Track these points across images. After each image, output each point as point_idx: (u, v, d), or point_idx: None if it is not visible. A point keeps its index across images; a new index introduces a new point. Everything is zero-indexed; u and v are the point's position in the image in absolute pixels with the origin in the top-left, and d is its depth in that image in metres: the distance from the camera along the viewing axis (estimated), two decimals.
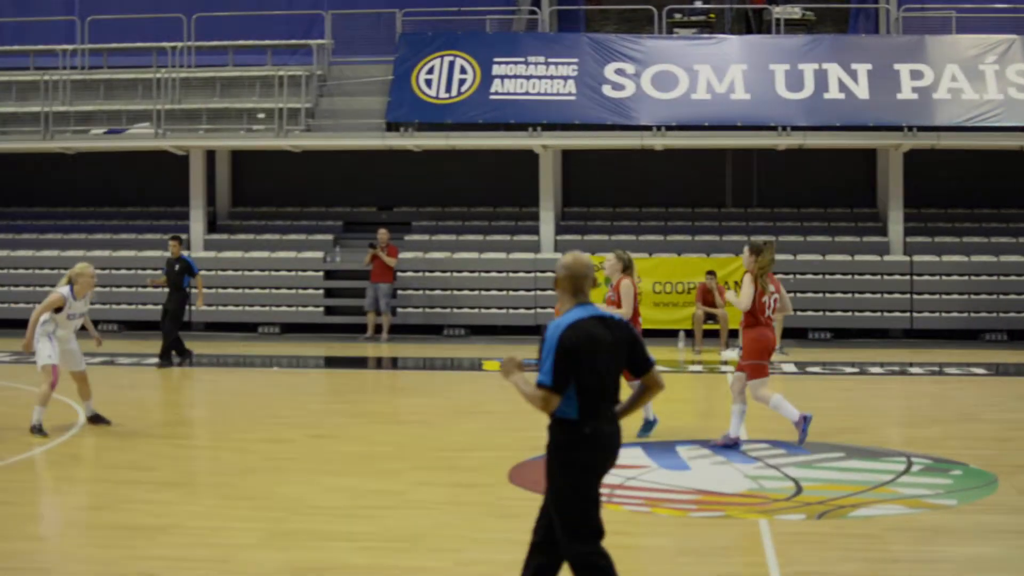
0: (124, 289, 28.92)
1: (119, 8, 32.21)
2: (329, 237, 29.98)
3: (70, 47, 31.65)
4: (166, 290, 23.39)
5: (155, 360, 23.00)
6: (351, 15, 30.94)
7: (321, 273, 29.00)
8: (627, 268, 15.33)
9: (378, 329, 27.82)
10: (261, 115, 29.38)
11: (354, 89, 30.02)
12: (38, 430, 15.23)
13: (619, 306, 15.17)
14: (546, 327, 7.78)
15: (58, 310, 15.65)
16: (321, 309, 28.94)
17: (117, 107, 30.15)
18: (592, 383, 7.67)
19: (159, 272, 25.21)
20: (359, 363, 24.88)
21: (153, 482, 12.92)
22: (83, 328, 16.41)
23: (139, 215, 31.55)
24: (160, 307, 23.72)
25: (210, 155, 30.52)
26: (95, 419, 16.16)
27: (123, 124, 29.77)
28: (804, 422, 14.69)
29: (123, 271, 29.09)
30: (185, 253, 23.98)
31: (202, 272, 23.94)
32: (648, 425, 15.33)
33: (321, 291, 28.96)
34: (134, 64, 31.77)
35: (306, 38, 31.19)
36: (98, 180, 32.06)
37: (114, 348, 25.38)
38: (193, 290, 23.48)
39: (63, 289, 15.71)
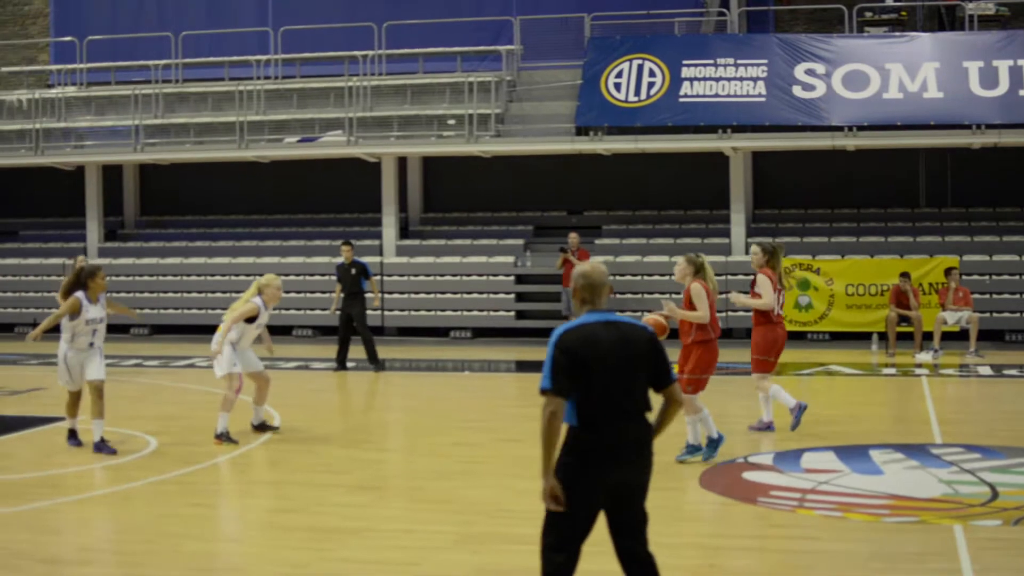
0: (318, 295, 29.34)
1: (311, 18, 32.75)
2: (520, 242, 30.07)
3: (264, 57, 32.28)
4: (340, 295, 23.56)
5: (367, 366, 23.26)
6: (540, 20, 31.02)
7: (512, 278, 29.10)
8: (699, 271, 14.44)
9: None
10: (451, 121, 29.60)
11: (543, 94, 30.09)
12: (225, 437, 15.49)
13: (692, 310, 14.45)
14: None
15: (249, 320, 15.80)
16: (512, 313, 29.04)
17: (310, 115, 30.64)
18: (591, 387, 7.39)
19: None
20: None
21: (346, 485, 13.08)
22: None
23: (332, 222, 32.01)
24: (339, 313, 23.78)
25: (401, 161, 30.83)
26: (263, 427, 16.41)
27: (316, 132, 30.22)
28: (799, 410, 15.45)
29: (316, 277, 29.51)
30: (357, 257, 24.18)
31: (395, 277, 24.13)
32: (713, 444, 14.23)
33: (512, 295, 29.05)
34: (326, 73, 32.26)
35: (495, 44, 31.36)
36: (292, 188, 32.59)
37: (308, 353, 25.78)
38: (369, 294, 23.61)
39: (257, 299, 15.83)
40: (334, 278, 24.10)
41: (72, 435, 15.37)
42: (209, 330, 28.57)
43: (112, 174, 32.96)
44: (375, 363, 23.14)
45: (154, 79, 32.51)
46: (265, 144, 30.21)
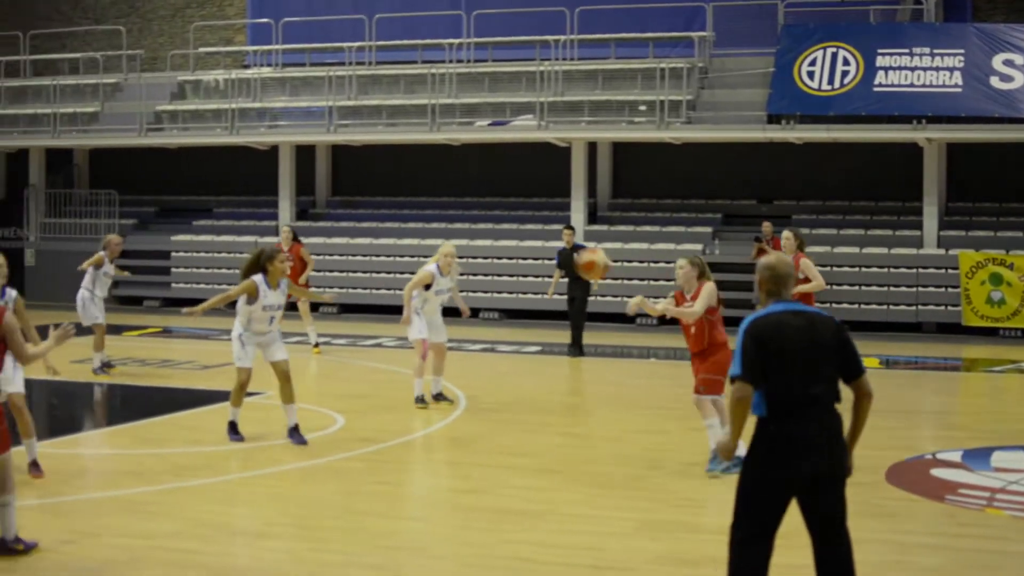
0: (505, 278, 29.47)
1: (504, 2, 32.89)
2: (708, 229, 29.87)
3: (456, 41, 32.49)
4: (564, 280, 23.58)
5: (566, 349, 23.33)
6: (732, 6, 30.76)
7: None
8: (703, 274, 13.52)
9: None
10: (642, 107, 29.50)
11: (735, 81, 29.82)
12: (419, 401, 16.70)
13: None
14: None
15: (427, 287, 16.75)
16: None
17: (501, 99, 30.77)
18: (781, 376, 7.34)
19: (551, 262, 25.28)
20: None
21: (530, 468, 13.12)
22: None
23: (521, 205, 32.12)
24: (565, 297, 23.78)
25: (591, 147, 30.78)
26: (439, 396, 17.19)
27: (507, 116, 30.35)
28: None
29: (504, 260, 29.63)
30: (579, 241, 24.16)
31: None
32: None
33: None
34: (518, 57, 32.37)
35: (687, 30, 31.17)
36: (482, 171, 32.77)
37: (495, 336, 25.91)
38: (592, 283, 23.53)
39: (431, 267, 16.88)
40: (523, 262, 24.16)
41: (233, 428, 14.67)
42: (397, 310, 29.01)
43: (305, 154, 33.47)
44: (577, 349, 23.12)
45: (348, 61, 32.93)
46: (456, 127, 30.40)
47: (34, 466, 12.20)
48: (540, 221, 30.97)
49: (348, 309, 30.79)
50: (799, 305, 7.61)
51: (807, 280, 16.32)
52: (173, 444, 14.41)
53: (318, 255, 30.97)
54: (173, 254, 32.51)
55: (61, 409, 17.86)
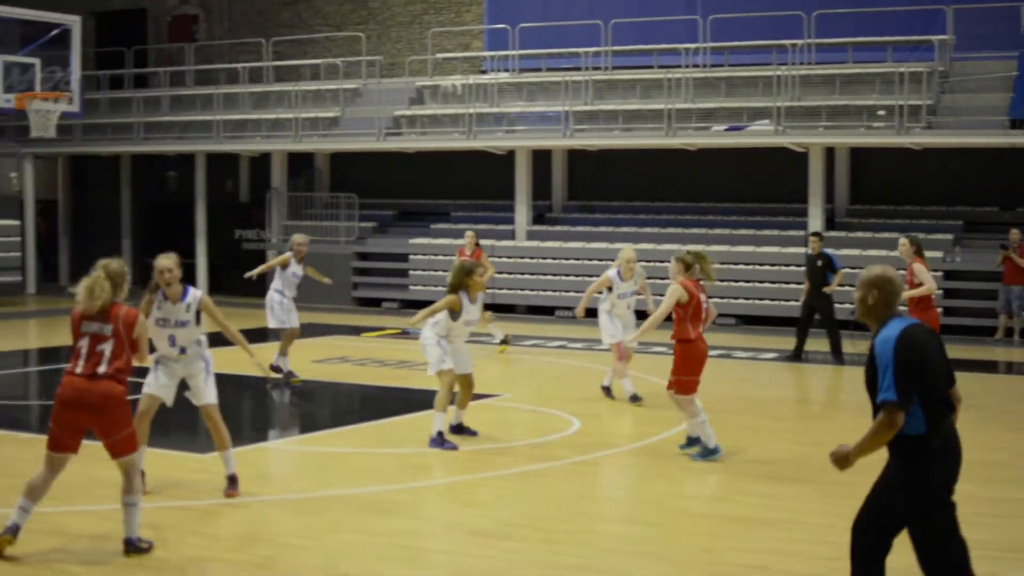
0: (742, 284, 29.21)
1: (740, 6, 32.63)
2: (949, 237, 29.18)
3: (692, 46, 32.36)
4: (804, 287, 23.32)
5: (830, 357, 23.06)
6: (973, 9, 30.04)
7: (940, 274, 28.25)
8: (689, 269, 14.08)
9: (1009, 332, 26.78)
10: (881, 112, 29.00)
11: (976, 85, 29.13)
12: (634, 399, 17.50)
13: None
14: (873, 343, 7.37)
15: (610, 290, 17.89)
16: (940, 310, 28.13)
17: (737, 104, 30.55)
18: (935, 391, 7.27)
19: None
20: (987, 367, 23.85)
21: (769, 475, 13.00)
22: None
23: (757, 211, 31.82)
24: (799, 304, 23.54)
25: (829, 152, 30.36)
26: (635, 398, 17.61)
27: (743, 121, 30.12)
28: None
29: (741, 266, 29.38)
30: (827, 249, 23.85)
31: (843, 269, 23.66)
32: (707, 452, 13.91)
33: (941, 292, 28.17)
34: (754, 62, 32.11)
35: (926, 34, 30.51)
36: (718, 176, 32.55)
37: (731, 342, 25.71)
38: (833, 287, 23.16)
39: (611, 272, 17.94)
40: (759, 268, 23.92)
41: (460, 428, 14.97)
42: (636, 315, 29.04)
43: (541, 159, 33.67)
44: (837, 356, 22.82)
45: (584, 66, 33.04)
46: (692, 132, 30.26)
47: (231, 482, 11.84)
48: (777, 227, 30.62)
49: (589, 313, 30.78)
50: (912, 320, 7.52)
51: (919, 284, 17.28)
52: (410, 444, 14.62)
53: (554, 259, 31.18)
54: (411, 257, 33.00)
55: (302, 407, 18.28)
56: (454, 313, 14.45)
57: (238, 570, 9.60)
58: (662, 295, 14.65)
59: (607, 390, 18.10)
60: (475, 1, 37.52)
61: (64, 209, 41.91)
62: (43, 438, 9.84)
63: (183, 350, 11.50)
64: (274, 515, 11.29)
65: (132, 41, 41.04)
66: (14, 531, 9.68)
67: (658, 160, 32.69)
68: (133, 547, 9.80)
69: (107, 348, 9.71)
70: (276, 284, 20.07)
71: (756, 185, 32.05)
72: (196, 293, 11.52)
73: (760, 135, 29.34)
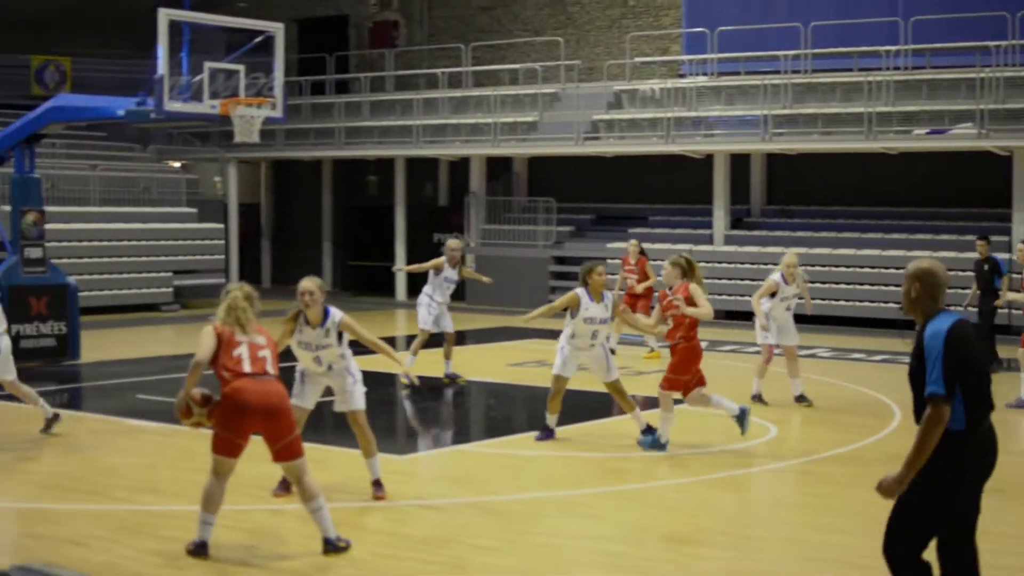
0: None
1: (943, 7, 32.03)
2: None
3: (893, 48, 31.87)
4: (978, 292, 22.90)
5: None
6: None
7: None
8: (686, 273, 14.52)
9: None
10: None
11: None
12: (756, 398, 18.01)
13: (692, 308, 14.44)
14: (921, 336, 7.27)
15: (773, 295, 18.23)
16: None
17: (940, 107, 30.00)
18: (978, 388, 7.20)
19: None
20: None
21: None
22: None
23: (960, 216, 31.21)
24: (976, 311, 23.13)
25: None
26: (801, 399, 17.99)
27: (945, 124, 29.58)
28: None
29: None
30: (995, 254, 23.35)
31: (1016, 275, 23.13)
32: (659, 445, 14.48)
33: None
34: (957, 64, 31.51)
35: None
36: (919, 180, 32.01)
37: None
38: (1012, 294, 22.67)
39: (776, 276, 18.25)
40: (961, 274, 23.48)
41: (547, 432, 15.06)
42: (831, 321, 28.82)
43: (740, 163, 33.47)
44: (994, 362, 22.37)
45: (783, 69, 32.76)
46: (893, 136, 29.81)
47: (377, 485, 11.90)
48: (972, 233, 29.96)
49: (744, 316, 30.48)
50: (958, 315, 7.45)
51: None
52: (604, 449, 14.67)
53: (752, 264, 30.95)
54: (609, 261, 33.01)
55: (498, 410, 18.45)
56: (573, 311, 14.62)
57: (431, 570, 9.74)
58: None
59: (801, 398, 18.00)
60: (674, 5, 37.42)
61: (266, 212, 42.85)
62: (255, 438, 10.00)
63: (329, 367, 11.67)
64: (467, 517, 11.43)
65: (334, 47, 41.79)
66: (204, 547, 9.84)
67: (858, 164, 32.29)
68: (332, 546, 9.97)
69: (267, 354, 9.94)
70: (427, 288, 20.15)
71: (958, 189, 31.44)
72: (336, 316, 11.42)
73: (963, 138, 28.78)
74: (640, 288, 23.93)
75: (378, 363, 14.26)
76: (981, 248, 22.75)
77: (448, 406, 18.70)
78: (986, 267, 22.53)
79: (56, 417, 15.02)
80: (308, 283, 11.48)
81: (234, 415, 9.74)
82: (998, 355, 22.37)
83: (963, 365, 7.16)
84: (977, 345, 7.36)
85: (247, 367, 9.79)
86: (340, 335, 11.52)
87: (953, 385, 7.11)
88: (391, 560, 9.96)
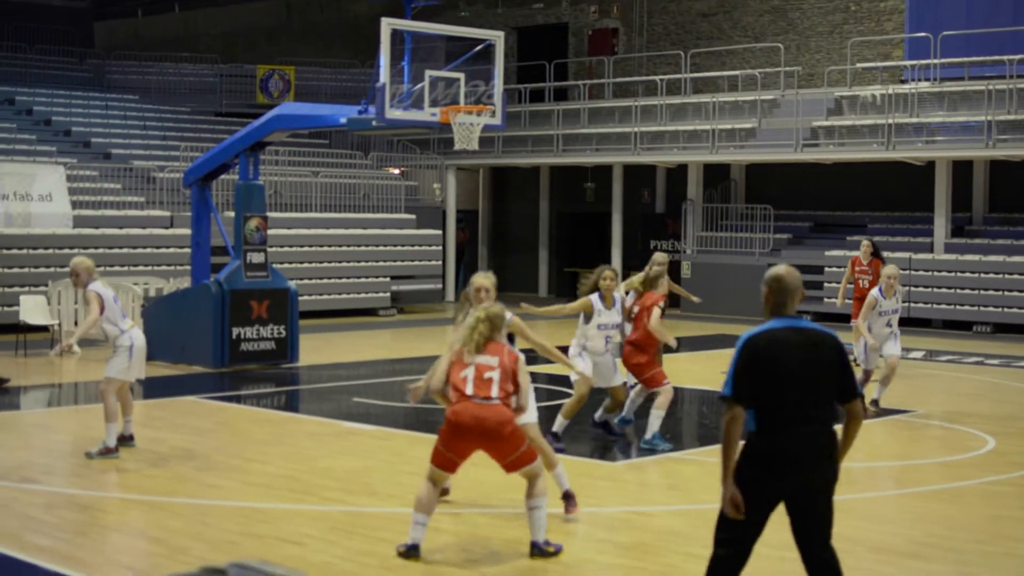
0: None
1: None
2: None
3: None
4: None
5: None
6: None
7: None
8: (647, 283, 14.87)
9: None
10: None
11: None
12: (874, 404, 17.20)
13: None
14: None
15: (872, 308, 17.21)
16: None
17: None
18: (776, 393, 7.16)
19: None
20: None
21: None
22: None
23: None
24: None
25: None
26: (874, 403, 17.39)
27: None
28: None
29: None
30: None
31: None
32: (624, 422, 15.26)
33: None
34: None
35: None
36: None
37: (984, 349, 24.56)
38: None
39: (874, 291, 17.39)
40: None
41: (606, 427, 15.49)
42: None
43: (962, 170, 32.82)
44: None
45: (1008, 74, 32.01)
46: None
47: (567, 499, 11.38)
48: None
49: (1003, 328, 29.92)
50: (802, 321, 7.42)
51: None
52: None
53: (973, 273, 30.32)
54: (826, 269, 32.67)
55: (710, 418, 18.38)
56: (587, 316, 14.61)
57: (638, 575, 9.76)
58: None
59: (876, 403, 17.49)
60: (896, 10, 36.83)
61: (484, 219, 43.28)
62: None
63: None
64: (679, 525, 11.41)
65: (553, 55, 42.02)
66: (416, 549, 9.93)
67: None
68: (539, 550, 10.01)
69: (495, 375, 9.93)
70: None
71: None
72: (507, 315, 10.90)
73: None
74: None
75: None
76: None
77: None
78: None
79: (113, 451, 13.93)
80: (484, 280, 11.42)
81: (453, 437, 9.89)
82: None
83: (753, 372, 7.32)
84: (778, 357, 7.30)
85: (470, 389, 9.89)
86: (512, 338, 11.35)
87: (741, 388, 7.32)
88: (598, 566, 10.00)
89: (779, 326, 7.48)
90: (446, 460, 9.97)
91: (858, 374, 15.96)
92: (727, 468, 7.40)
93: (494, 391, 9.88)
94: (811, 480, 7.40)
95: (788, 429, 7.34)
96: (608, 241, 37.73)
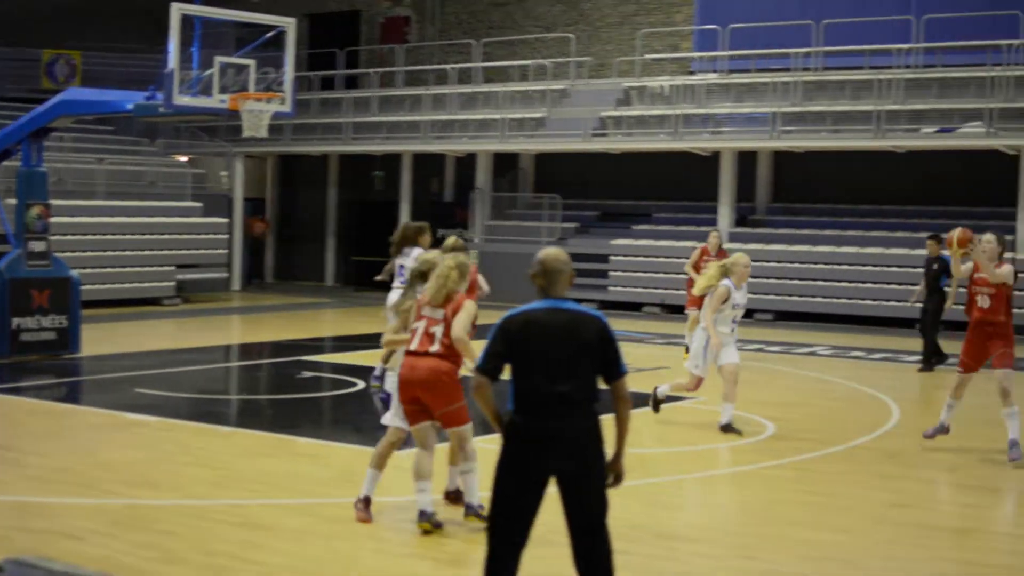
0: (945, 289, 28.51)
1: (954, 6, 31.98)
2: None
3: (905, 46, 31.82)
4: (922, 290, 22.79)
5: (916, 362, 22.46)
6: None
7: None
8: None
9: None
10: None
11: None
12: (728, 428, 15.19)
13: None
14: None
15: (724, 302, 15.58)
16: None
17: (949, 105, 29.93)
18: (527, 372, 7.28)
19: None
20: None
21: (961, 484, 12.75)
22: None
23: (966, 215, 31.11)
24: (920, 307, 23.00)
25: None
26: (727, 428, 15.38)
27: (954, 123, 29.50)
28: None
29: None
30: (945, 252, 23.14)
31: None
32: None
33: None
34: (967, 62, 31.45)
35: None
36: (925, 179, 31.93)
37: (765, 336, 25.24)
38: (948, 289, 22.54)
39: (726, 281, 15.48)
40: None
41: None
42: (832, 319, 28.86)
43: (746, 160, 33.44)
44: (926, 364, 22.14)
45: (793, 67, 32.71)
46: (902, 134, 29.75)
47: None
48: (987, 231, 29.90)
49: (783, 316, 30.56)
50: (564, 303, 7.43)
51: None
52: None
53: (756, 261, 30.83)
54: (612, 258, 33.01)
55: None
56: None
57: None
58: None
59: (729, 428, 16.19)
60: (686, 2, 37.38)
61: (272, 207, 42.87)
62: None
63: None
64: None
65: (345, 42, 41.79)
66: (425, 516, 10.28)
67: (866, 162, 32.23)
68: (473, 512, 10.45)
69: (438, 330, 10.31)
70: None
71: (965, 188, 31.39)
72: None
73: (971, 137, 28.74)
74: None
75: None
76: (931, 247, 22.47)
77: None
78: (935, 266, 22.31)
79: None
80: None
81: (402, 389, 10.40)
82: (941, 351, 22.12)
83: (503, 350, 7.38)
84: (532, 337, 7.34)
85: (413, 344, 10.39)
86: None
87: (488, 363, 7.39)
88: (386, 556, 9.93)
89: (540, 307, 7.47)
90: (407, 413, 10.44)
91: (684, 381, 15.87)
92: (492, 419, 7.51)
93: (434, 346, 10.29)
94: (575, 466, 7.34)
95: (543, 409, 7.32)
96: (395, 230, 37.57)
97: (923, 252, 28.59)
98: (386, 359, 13.65)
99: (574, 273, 7.59)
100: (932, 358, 22.11)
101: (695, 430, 15.58)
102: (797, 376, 20.58)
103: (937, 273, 22.23)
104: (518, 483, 7.36)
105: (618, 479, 7.59)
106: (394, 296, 16.49)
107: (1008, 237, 28.27)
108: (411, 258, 16.94)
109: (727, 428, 15.20)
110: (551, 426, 7.30)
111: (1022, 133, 28.45)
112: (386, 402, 11.05)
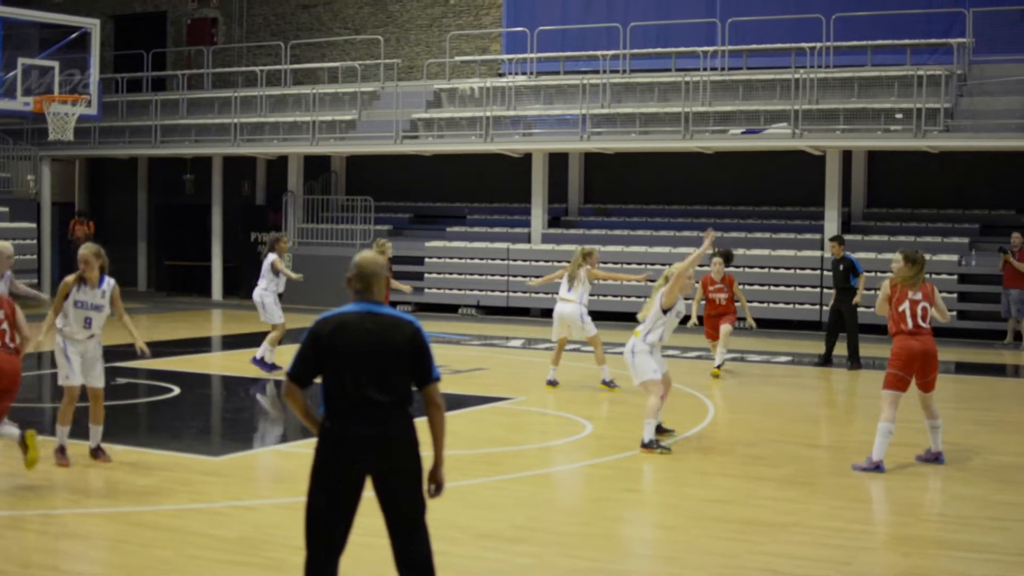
0: (756, 287, 29.10)
1: (759, 10, 32.64)
2: (965, 240, 29.08)
3: (711, 49, 32.35)
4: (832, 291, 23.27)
5: (845, 363, 22.81)
6: (993, 12, 29.99)
7: (955, 277, 28.17)
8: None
9: (1017, 336, 26.69)
10: (899, 115, 28.91)
11: (995, 88, 29.01)
12: (654, 445, 14.25)
13: None
14: None
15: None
16: (954, 313, 27.96)
17: (755, 107, 30.50)
18: (336, 376, 7.35)
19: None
20: (994, 370, 23.93)
21: (778, 479, 12.99)
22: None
23: (774, 214, 31.80)
24: (828, 308, 23.42)
25: (846, 155, 30.29)
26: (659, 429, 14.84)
27: (761, 124, 30.08)
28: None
29: (756, 270, 29.34)
30: (849, 253, 23.63)
31: (866, 273, 23.50)
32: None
33: (955, 295, 28.06)
34: (772, 65, 32.10)
35: (946, 37, 30.48)
36: (735, 179, 32.52)
37: (747, 345, 25.64)
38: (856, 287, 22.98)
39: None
40: (775, 271, 23.77)
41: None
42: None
43: (558, 162, 33.68)
44: (854, 362, 22.65)
45: (602, 69, 33.05)
46: (709, 135, 30.24)
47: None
48: (793, 230, 30.60)
49: (597, 316, 30.78)
50: (381, 307, 7.53)
51: None
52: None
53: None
54: (427, 260, 33.01)
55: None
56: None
57: (247, 572, 9.60)
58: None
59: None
60: (494, 4, 37.54)
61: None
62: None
63: (92, 336, 13.24)
64: (279, 519, 11.29)
65: (151, 44, 41.16)
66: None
67: (675, 163, 32.70)
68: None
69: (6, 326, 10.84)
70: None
71: (773, 188, 32.05)
72: (111, 281, 13.44)
73: (777, 138, 29.32)
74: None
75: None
76: (835, 249, 22.97)
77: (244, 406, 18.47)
78: (841, 267, 22.82)
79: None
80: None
81: None
82: (858, 355, 22.59)
83: (313, 354, 7.41)
84: (342, 341, 7.36)
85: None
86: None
87: (298, 368, 7.43)
88: (204, 562, 9.80)
89: (352, 310, 7.47)
90: None
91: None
92: (307, 422, 7.58)
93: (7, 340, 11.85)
94: (386, 463, 7.37)
95: (352, 412, 7.33)
96: (209, 233, 37.21)
97: (740, 252, 29.26)
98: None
99: (391, 277, 7.59)
100: (850, 360, 22.59)
101: (510, 431, 15.62)
102: (615, 375, 20.76)
103: (845, 274, 22.70)
104: (333, 486, 7.35)
105: (439, 488, 7.60)
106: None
107: (815, 236, 29.01)
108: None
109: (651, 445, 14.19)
110: (362, 429, 7.31)
111: (827, 134, 29.11)
112: None
